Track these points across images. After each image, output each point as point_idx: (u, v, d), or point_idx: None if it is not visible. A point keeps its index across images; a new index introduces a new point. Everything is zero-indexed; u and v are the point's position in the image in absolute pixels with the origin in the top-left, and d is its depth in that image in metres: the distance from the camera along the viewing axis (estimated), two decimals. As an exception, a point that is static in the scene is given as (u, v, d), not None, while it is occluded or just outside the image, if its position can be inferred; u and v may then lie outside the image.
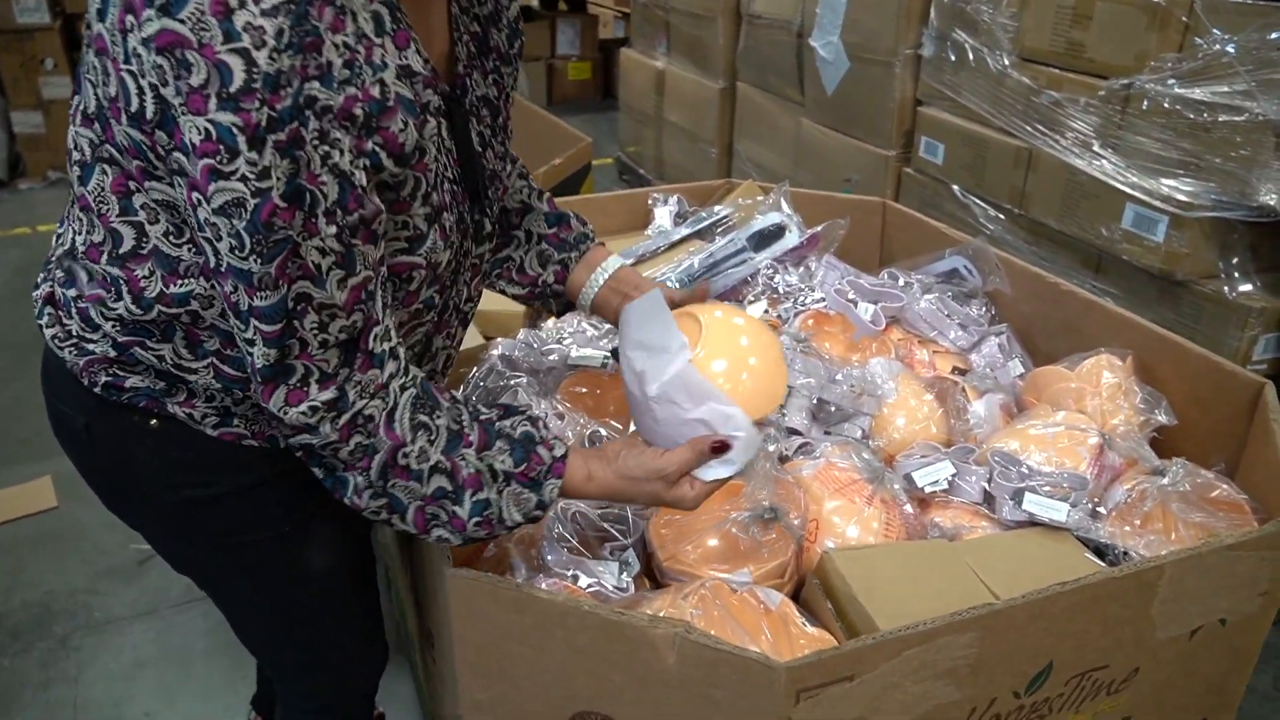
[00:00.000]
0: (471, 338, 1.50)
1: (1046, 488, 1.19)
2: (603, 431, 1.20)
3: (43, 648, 1.92)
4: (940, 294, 1.62)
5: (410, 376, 0.84)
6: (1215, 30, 1.74)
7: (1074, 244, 2.18)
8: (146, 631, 1.96)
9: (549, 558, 1.02)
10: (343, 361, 0.78)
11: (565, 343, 1.35)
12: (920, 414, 1.36)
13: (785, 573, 1.09)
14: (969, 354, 1.55)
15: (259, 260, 0.70)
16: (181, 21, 0.65)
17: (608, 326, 1.44)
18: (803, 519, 1.11)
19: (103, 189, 0.79)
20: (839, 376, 1.30)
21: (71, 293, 0.87)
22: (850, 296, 1.57)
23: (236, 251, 0.70)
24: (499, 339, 1.39)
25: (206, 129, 0.66)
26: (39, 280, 0.94)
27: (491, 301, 1.63)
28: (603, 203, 1.96)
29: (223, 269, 0.72)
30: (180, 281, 0.81)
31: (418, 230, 0.83)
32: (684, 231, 1.81)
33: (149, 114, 0.70)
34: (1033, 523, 1.17)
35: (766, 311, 1.60)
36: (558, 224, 1.18)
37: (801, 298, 1.62)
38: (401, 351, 0.84)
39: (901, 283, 1.66)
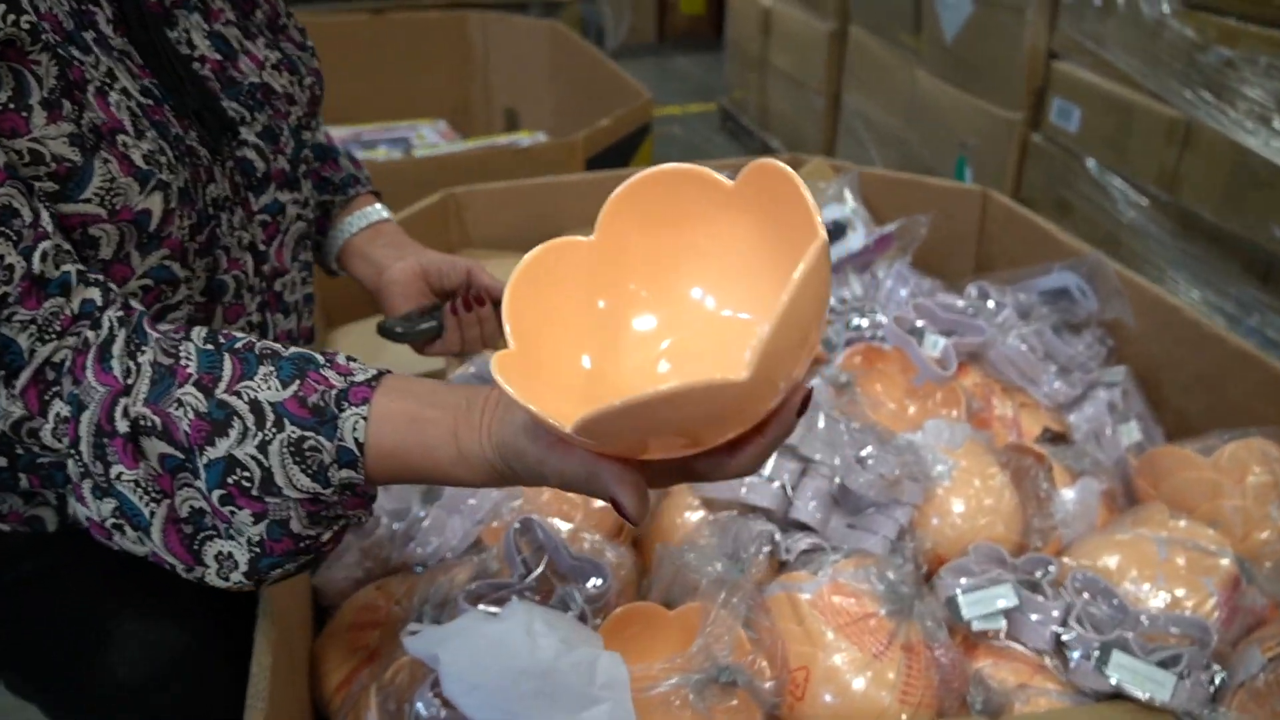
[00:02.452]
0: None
1: (1149, 641, 0.85)
2: (535, 519, 0.92)
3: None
4: (1040, 324, 1.25)
5: (130, 311, 0.57)
6: None
7: (1236, 243, 1.74)
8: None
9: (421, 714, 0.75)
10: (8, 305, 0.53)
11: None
12: (985, 502, 1.02)
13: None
14: (1068, 412, 1.18)
15: None
16: None
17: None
18: (780, 680, 0.80)
19: None
20: (870, 457, 0.97)
21: None
22: (916, 324, 1.22)
23: None
24: (451, 375, 1.12)
25: None
26: None
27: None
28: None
29: None
30: None
31: (64, 161, 0.56)
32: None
33: None
34: (1120, 695, 0.83)
35: (807, 337, 1.27)
36: (322, 159, 0.91)
37: (858, 319, 1.28)
38: (112, 285, 0.58)
39: (991, 304, 1.30)
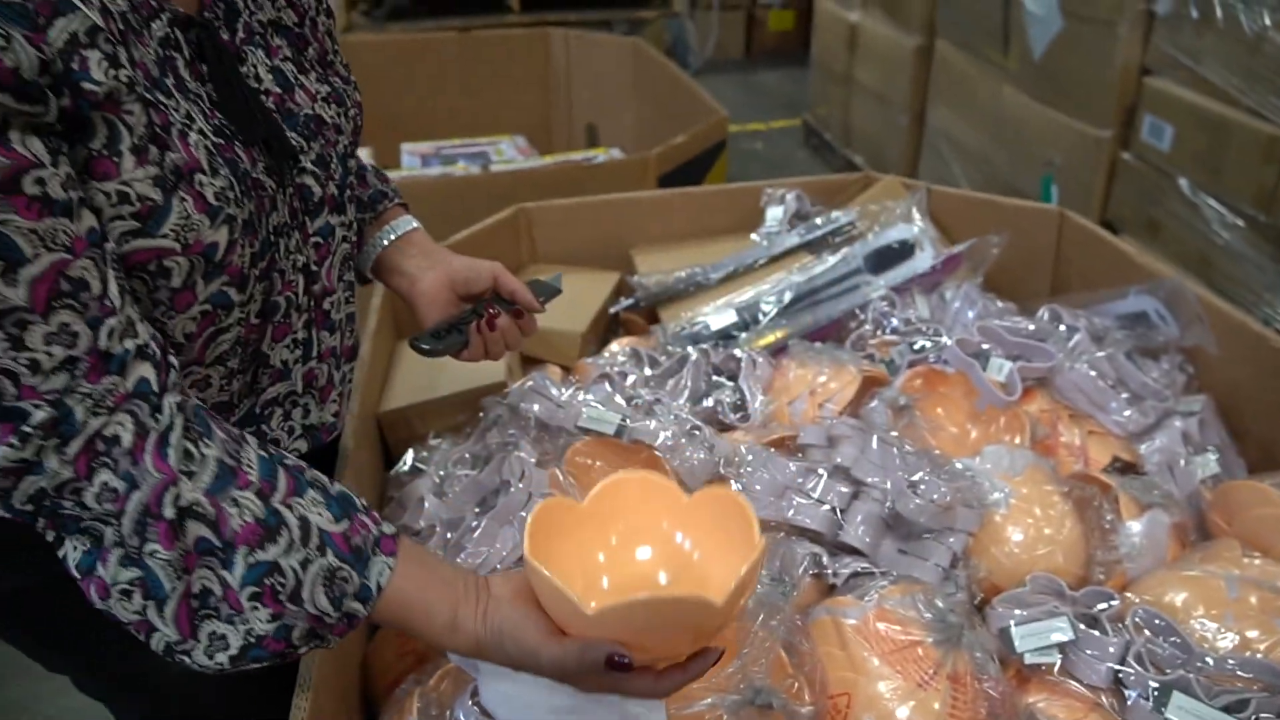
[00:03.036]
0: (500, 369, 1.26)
1: (1214, 684, 0.81)
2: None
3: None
4: (1114, 348, 1.21)
5: (187, 397, 0.62)
6: None
7: (1338, 270, 1.65)
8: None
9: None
10: (72, 376, 0.57)
11: (581, 399, 1.08)
12: (1045, 531, 0.99)
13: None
14: (1140, 441, 1.14)
15: None
16: None
17: (630, 379, 1.17)
18: (819, 705, 0.79)
19: None
20: (922, 482, 0.95)
21: None
22: (982, 347, 1.19)
23: None
24: (510, 386, 1.14)
25: None
26: None
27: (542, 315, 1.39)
28: (706, 197, 1.65)
29: None
30: None
31: (146, 200, 0.60)
32: (793, 240, 1.48)
33: None
34: (1180, 739, 0.79)
35: (870, 358, 1.26)
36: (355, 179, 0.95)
37: (922, 341, 1.26)
38: (173, 361, 0.62)
39: (1063, 327, 1.26)
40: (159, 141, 0.61)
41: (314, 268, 0.80)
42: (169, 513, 0.58)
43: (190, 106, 0.65)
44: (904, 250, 1.35)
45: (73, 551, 0.60)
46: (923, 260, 1.35)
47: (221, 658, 0.61)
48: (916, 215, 1.39)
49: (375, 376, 1.22)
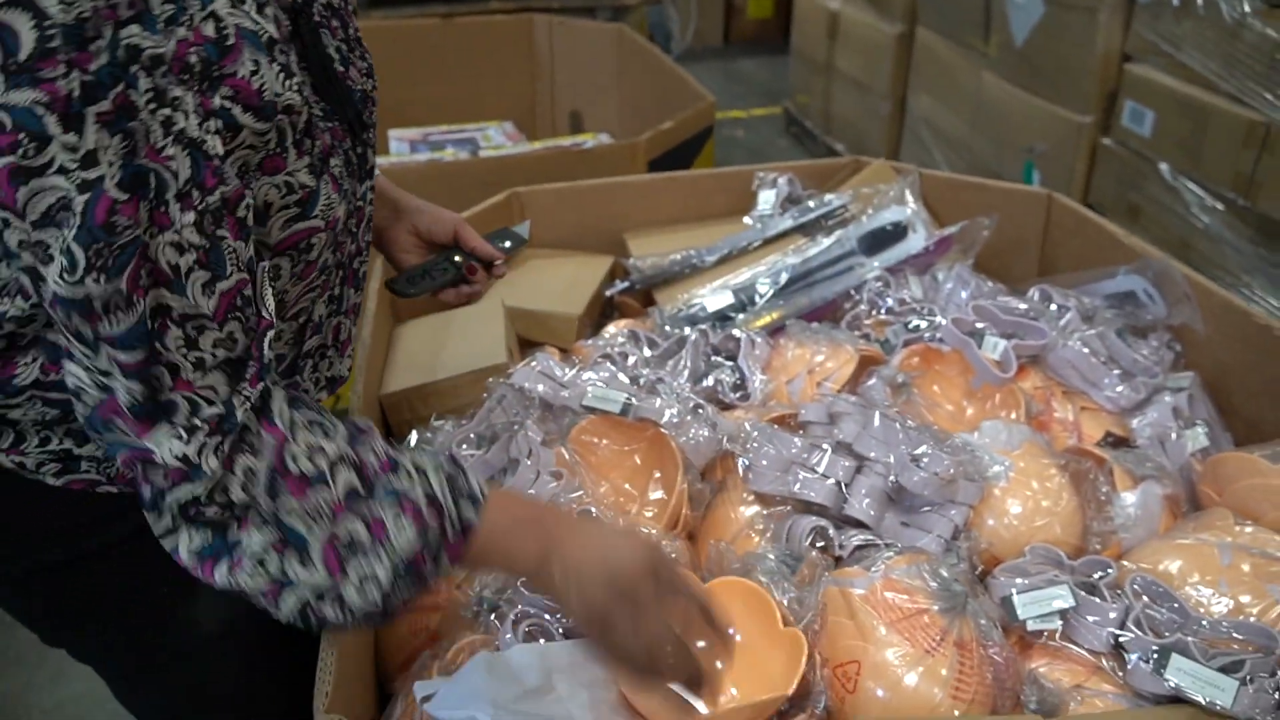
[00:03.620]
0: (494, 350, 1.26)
1: (1210, 647, 0.84)
2: (594, 511, 0.94)
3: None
4: (1104, 326, 1.23)
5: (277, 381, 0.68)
6: None
7: (1315, 251, 1.69)
8: None
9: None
10: (231, 377, 0.62)
11: (585, 379, 1.09)
12: (1043, 504, 1.01)
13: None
14: (1131, 417, 1.17)
15: (102, 278, 0.54)
16: None
17: (631, 358, 1.18)
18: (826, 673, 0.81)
19: None
20: (924, 456, 0.97)
21: None
22: (976, 325, 1.21)
23: (67, 275, 0.54)
24: (514, 367, 1.15)
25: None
26: None
27: (539, 298, 1.41)
28: (698, 182, 1.66)
29: (51, 300, 0.55)
30: None
31: (305, 187, 0.68)
32: (787, 223, 1.49)
33: None
34: (1179, 699, 0.82)
35: (866, 338, 1.27)
36: None
37: (917, 320, 1.28)
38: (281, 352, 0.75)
39: (1054, 306, 1.28)
40: (310, 133, 0.67)
41: (355, 230, 0.83)
42: (291, 466, 0.62)
43: (308, 92, 0.69)
44: (897, 232, 1.37)
45: (188, 541, 0.62)
46: (915, 241, 1.36)
47: (375, 595, 0.64)
48: (909, 197, 1.41)
49: (376, 359, 1.23)
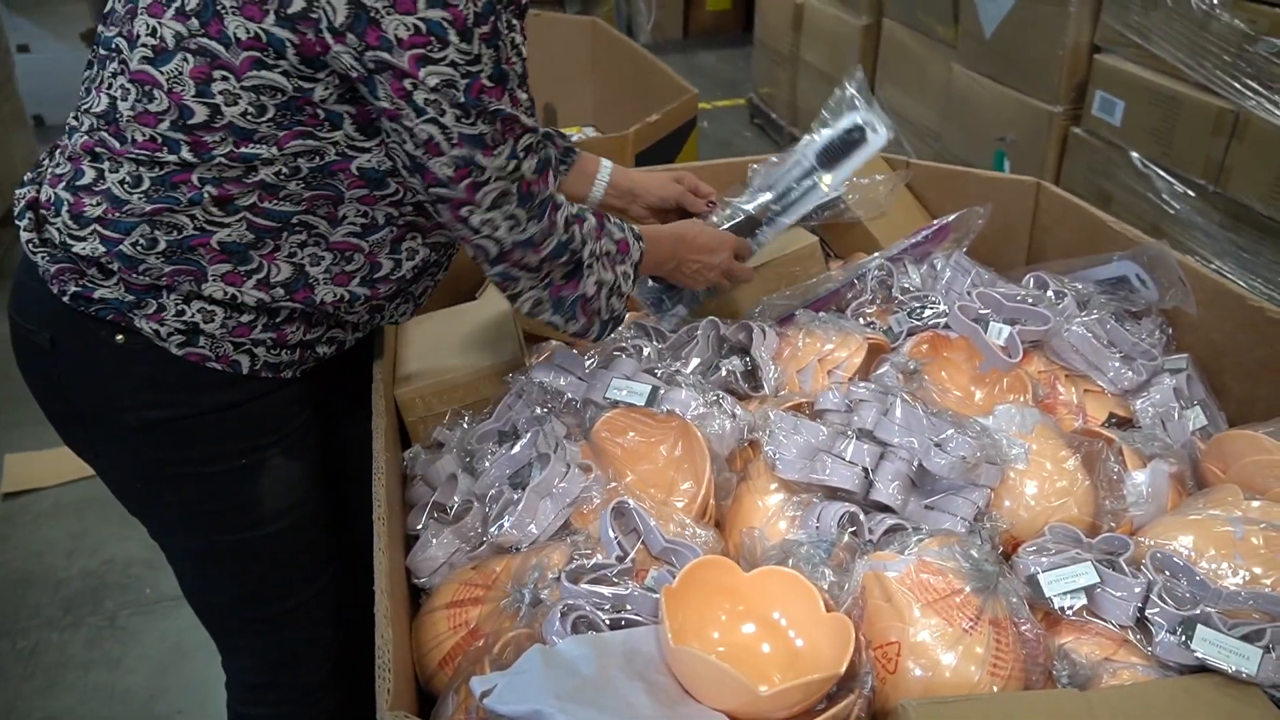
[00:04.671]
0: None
1: (1230, 618, 0.87)
2: (630, 502, 0.95)
3: (92, 624, 1.87)
4: (1101, 312, 1.27)
5: None
6: None
7: (1285, 235, 1.75)
8: (192, 616, 1.88)
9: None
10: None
11: (607, 371, 1.09)
12: (1058, 484, 1.04)
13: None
14: (1133, 398, 1.20)
15: (485, 123, 0.84)
16: None
17: (656, 347, 1.20)
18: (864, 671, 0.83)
19: (180, 73, 0.84)
20: (950, 440, 0.99)
21: (84, 181, 0.88)
22: (980, 312, 1.24)
23: (464, 120, 0.83)
24: (532, 362, 1.15)
25: (416, 25, 0.78)
26: (24, 182, 0.97)
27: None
28: (694, 172, 1.66)
29: (454, 140, 0.84)
30: (252, 145, 0.85)
31: (533, 117, 0.93)
32: (767, 196, 1.49)
33: (337, 19, 0.78)
34: (1205, 668, 0.85)
35: (871, 325, 1.30)
36: None
37: (920, 308, 1.30)
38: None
39: (1050, 292, 1.32)
40: (524, 84, 0.90)
41: None
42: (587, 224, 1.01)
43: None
44: (855, 139, 1.36)
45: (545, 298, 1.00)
46: (876, 142, 1.35)
47: (627, 288, 1.07)
48: (859, 101, 1.39)
49: (389, 358, 1.22)
